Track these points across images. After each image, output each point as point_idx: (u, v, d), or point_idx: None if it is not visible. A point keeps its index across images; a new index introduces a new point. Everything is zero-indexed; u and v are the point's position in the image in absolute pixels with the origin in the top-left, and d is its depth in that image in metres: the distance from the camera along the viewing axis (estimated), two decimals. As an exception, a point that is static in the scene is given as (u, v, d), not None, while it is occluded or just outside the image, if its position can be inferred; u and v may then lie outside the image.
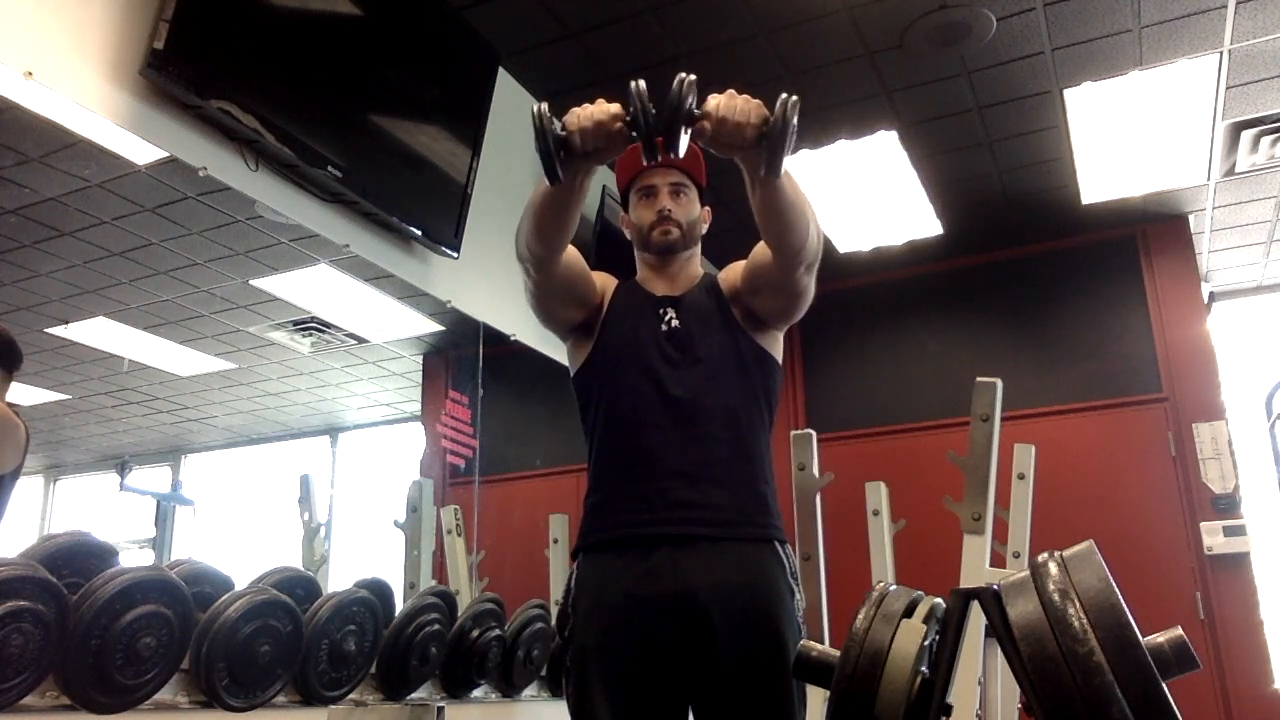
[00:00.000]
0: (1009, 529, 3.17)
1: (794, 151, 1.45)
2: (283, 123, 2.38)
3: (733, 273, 1.80)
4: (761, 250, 1.69)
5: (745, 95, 1.45)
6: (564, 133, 1.43)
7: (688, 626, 1.55)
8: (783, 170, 1.46)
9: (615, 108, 1.44)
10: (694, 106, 1.41)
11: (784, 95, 1.40)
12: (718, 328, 1.74)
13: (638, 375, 1.69)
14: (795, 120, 1.39)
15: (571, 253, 1.70)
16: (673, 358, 1.70)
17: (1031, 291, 4.93)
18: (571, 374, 1.82)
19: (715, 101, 1.43)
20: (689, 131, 1.43)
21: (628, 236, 1.87)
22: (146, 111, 2.13)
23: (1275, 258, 5.08)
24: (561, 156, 1.43)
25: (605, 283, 1.84)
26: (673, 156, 1.48)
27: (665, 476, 1.62)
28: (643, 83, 1.38)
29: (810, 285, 1.70)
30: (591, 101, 1.46)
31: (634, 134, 1.42)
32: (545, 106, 1.40)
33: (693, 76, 1.39)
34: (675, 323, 1.74)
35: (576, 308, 1.77)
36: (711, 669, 1.55)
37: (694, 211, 1.82)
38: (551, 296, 1.74)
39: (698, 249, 1.85)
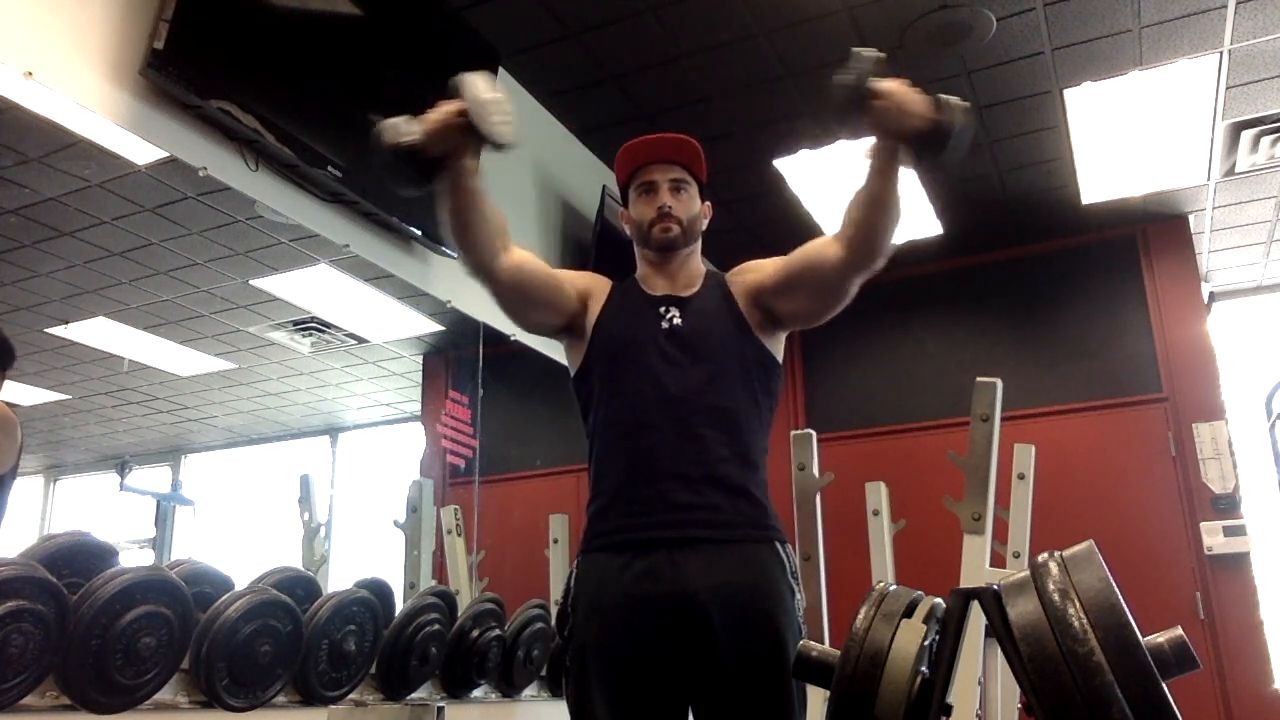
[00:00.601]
0: (1009, 529, 3.17)
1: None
2: (283, 123, 2.38)
3: (751, 272, 1.79)
4: (819, 249, 1.69)
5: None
6: (414, 141, 1.48)
7: (687, 627, 1.55)
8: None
9: (455, 105, 1.48)
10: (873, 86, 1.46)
11: (958, 99, 1.44)
12: (723, 328, 1.73)
13: (637, 375, 1.68)
14: (969, 127, 1.43)
15: (522, 259, 1.71)
16: (673, 357, 1.69)
17: (1031, 291, 4.93)
18: (570, 375, 1.82)
19: (892, 85, 1.47)
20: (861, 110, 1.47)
21: (627, 233, 1.86)
22: (146, 111, 2.13)
23: (1275, 258, 5.08)
24: (422, 162, 1.50)
25: (589, 283, 1.83)
26: (846, 130, 1.51)
27: (664, 478, 1.61)
28: (469, 75, 1.46)
29: (853, 292, 1.71)
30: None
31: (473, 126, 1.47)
32: (389, 121, 1.48)
33: (880, 54, 1.42)
34: (677, 321, 1.72)
35: (546, 311, 1.77)
36: (711, 669, 1.54)
37: (694, 208, 1.80)
38: (513, 304, 1.75)
39: (698, 245, 1.84)
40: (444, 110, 1.49)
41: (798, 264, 1.73)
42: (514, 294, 1.72)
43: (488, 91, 1.47)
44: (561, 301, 1.77)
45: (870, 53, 1.42)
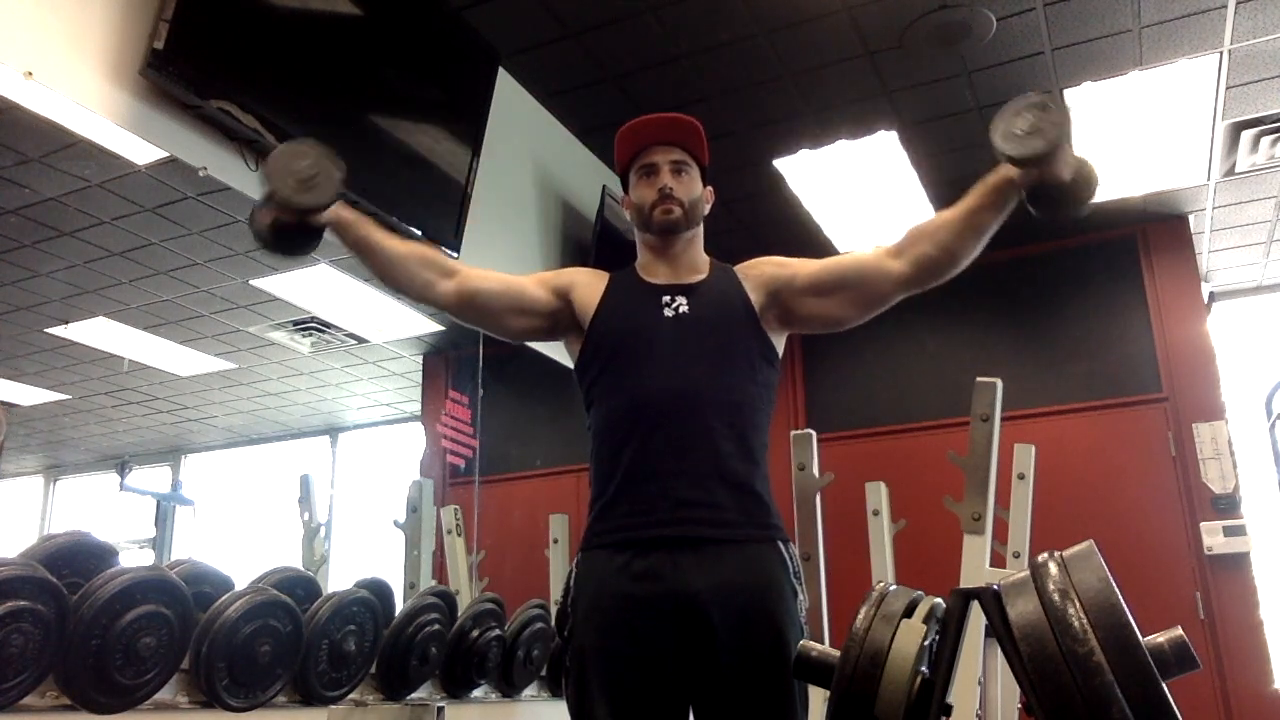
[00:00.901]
0: (1009, 529, 3.17)
1: None
2: (283, 123, 2.38)
3: (771, 266, 1.78)
4: (877, 259, 1.71)
5: None
6: (272, 220, 1.58)
7: (688, 627, 1.54)
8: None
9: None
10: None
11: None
12: (732, 319, 1.71)
13: (638, 367, 1.66)
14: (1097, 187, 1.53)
15: (470, 277, 1.73)
16: (677, 346, 1.66)
17: (1031, 291, 4.93)
18: (573, 370, 1.81)
19: None
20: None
21: (629, 218, 1.83)
22: (146, 111, 2.13)
23: (1275, 258, 5.08)
24: (290, 233, 1.60)
25: (573, 278, 1.81)
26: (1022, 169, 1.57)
27: (668, 474, 1.60)
28: (269, 158, 1.57)
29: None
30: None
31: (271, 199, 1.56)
32: (255, 205, 1.60)
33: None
34: (684, 309, 1.70)
35: (519, 318, 1.77)
36: (712, 670, 1.54)
37: (696, 190, 1.77)
38: (478, 322, 1.77)
39: (700, 231, 1.81)
40: (264, 197, 1.57)
41: (845, 269, 1.74)
42: (471, 313, 1.75)
43: (279, 174, 1.55)
44: (531, 305, 1.76)
45: (1052, 99, 1.47)
